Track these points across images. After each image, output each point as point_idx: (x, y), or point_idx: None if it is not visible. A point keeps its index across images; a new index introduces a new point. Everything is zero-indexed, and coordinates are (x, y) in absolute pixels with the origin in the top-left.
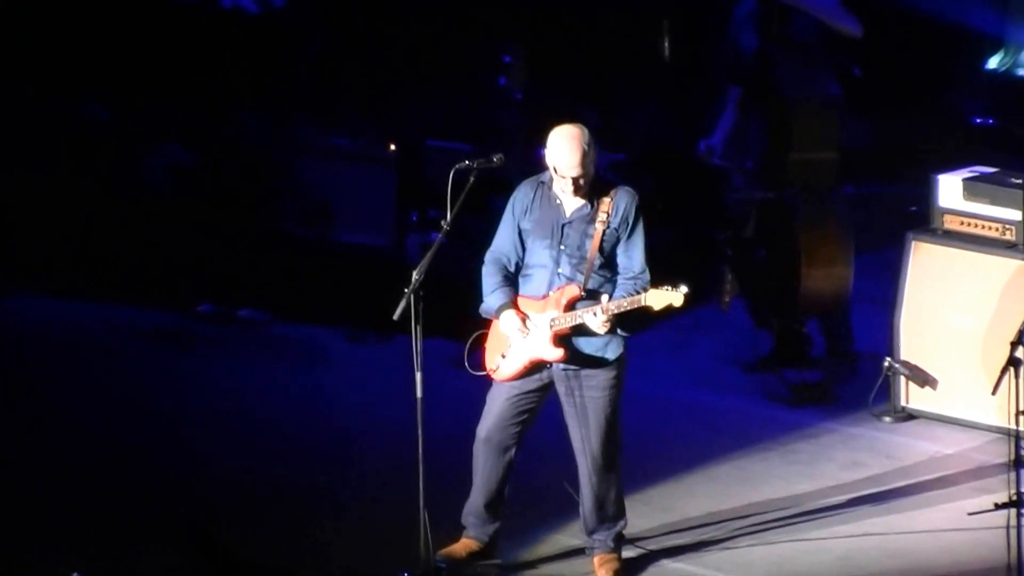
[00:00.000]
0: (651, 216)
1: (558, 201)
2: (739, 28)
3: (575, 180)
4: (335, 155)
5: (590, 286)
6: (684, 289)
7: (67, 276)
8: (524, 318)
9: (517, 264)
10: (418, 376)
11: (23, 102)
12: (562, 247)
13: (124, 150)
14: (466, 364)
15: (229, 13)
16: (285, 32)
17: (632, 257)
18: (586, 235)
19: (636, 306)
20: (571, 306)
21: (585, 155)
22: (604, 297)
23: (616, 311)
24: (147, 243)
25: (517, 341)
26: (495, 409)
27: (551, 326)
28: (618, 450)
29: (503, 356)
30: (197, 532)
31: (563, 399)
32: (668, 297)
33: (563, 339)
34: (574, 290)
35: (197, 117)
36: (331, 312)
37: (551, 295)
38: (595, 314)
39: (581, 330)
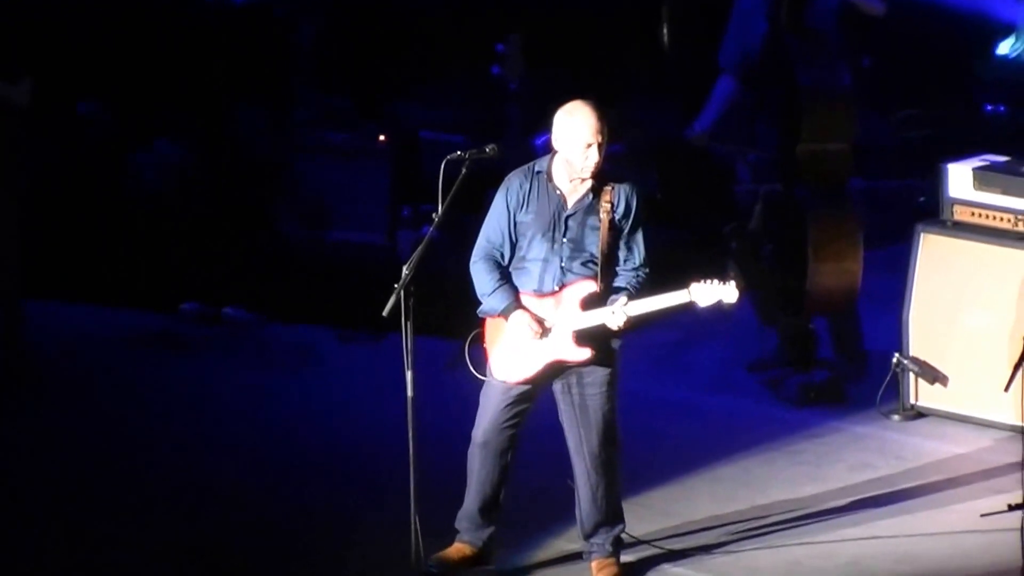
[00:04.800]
0: (651, 210)
1: (558, 192)
2: (747, 13)
3: (600, 147)
4: (327, 150)
5: (603, 281)
6: (733, 283)
7: (46, 277)
8: (538, 317)
9: (510, 258)
10: (409, 375)
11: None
12: (565, 240)
13: (114, 147)
14: (469, 366)
15: (215, 4)
16: (275, 24)
17: (634, 249)
18: (589, 227)
19: (678, 303)
20: (588, 303)
21: (606, 123)
22: (623, 296)
23: (651, 308)
24: (133, 241)
25: (531, 343)
26: (490, 411)
27: (572, 325)
28: (617, 449)
29: (515, 360)
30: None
31: (559, 397)
32: (717, 292)
33: (584, 337)
34: (591, 286)
35: (189, 113)
36: (321, 311)
37: (564, 292)
38: (613, 312)
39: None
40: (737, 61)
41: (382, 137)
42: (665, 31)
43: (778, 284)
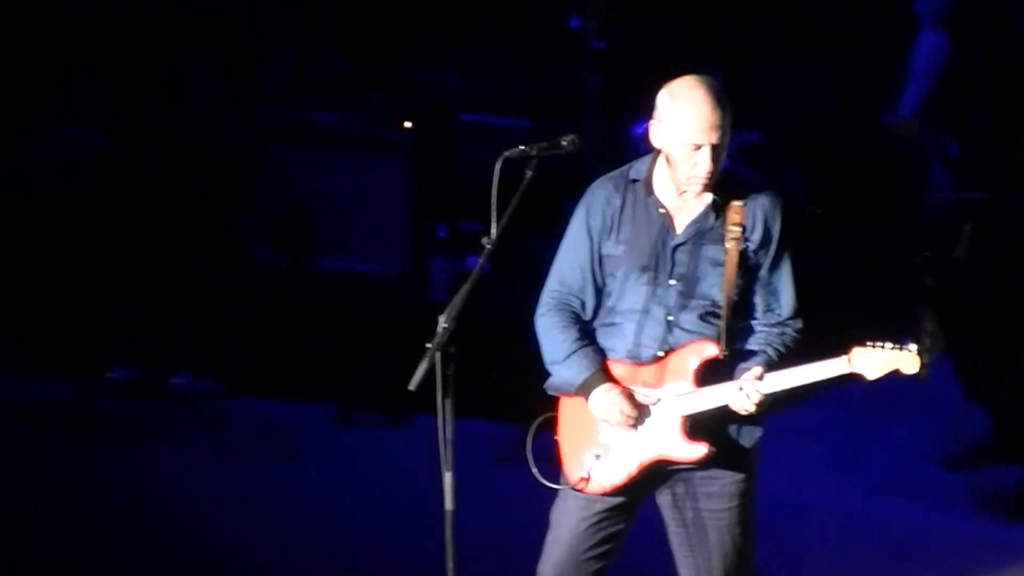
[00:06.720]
0: (804, 233)
1: (662, 211)
2: None
3: (715, 150)
4: (319, 140)
5: (730, 343)
6: (914, 346)
7: None
8: (631, 396)
9: (594, 310)
10: (447, 478)
11: None
12: (673, 281)
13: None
14: (533, 468)
15: None
16: None
17: (778, 293)
18: (708, 262)
19: (834, 375)
20: (707, 375)
21: (727, 116)
22: (758, 366)
23: (796, 383)
24: (30, 272)
25: (624, 435)
26: (565, 535)
27: (682, 408)
28: None
29: (597, 457)
30: None
31: (667, 514)
32: (891, 360)
33: (701, 426)
34: (709, 349)
35: (112, 86)
36: (312, 379)
37: (671, 360)
38: (742, 389)
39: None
40: (941, 6)
41: (407, 124)
42: None
43: (993, 340)
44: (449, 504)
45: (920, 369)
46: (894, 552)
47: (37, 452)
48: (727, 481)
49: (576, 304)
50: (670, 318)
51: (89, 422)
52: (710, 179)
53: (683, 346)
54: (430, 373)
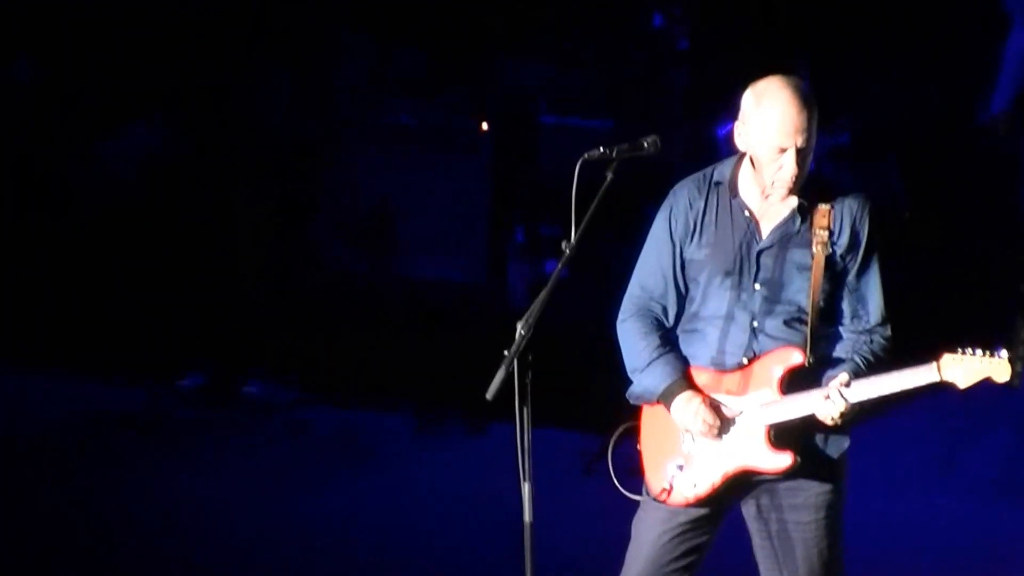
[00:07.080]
0: (895, 238)
1: (747, 213)
2: None
3: (800, 153)
4: (398, 141)
5: (816, 350)
6: (1006, 354)
7: None
8: (714, 404)
9: (677, 315)
10: (526, 488)
11: None
12: (758, 286)
13: (64, 129)
14: (614, 479)
15: None
16: None
17: (865, 299)
18: (795, 267)
19: (923, 383)
20: (792, 382)
21: (814, 118)
22: (844, 373)
23: (884, 391)
24: (96, 274)
25: (706, 444)
26: (646, 548)
27: (766, 418)
28: None
29: (680, 468)
30: None
31: (752, 526)
32: (982, 368)
33: (787, 435)
34: (794, 356)
35: (176, 79)
36: (388, 386)
37: (756, 367)
38: (829, 396)
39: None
40: None
41: (484, 125)
42: None
43: None
44: (527, 515)
45: (1012, 378)
46: (991, 556)
47: (110, 458)
48: (813, 492)
49: (658, 310)
50: (755, 324)
51: (161, 429)
52: (796, 182)
53: (768, 353)
54: (508, 381)
